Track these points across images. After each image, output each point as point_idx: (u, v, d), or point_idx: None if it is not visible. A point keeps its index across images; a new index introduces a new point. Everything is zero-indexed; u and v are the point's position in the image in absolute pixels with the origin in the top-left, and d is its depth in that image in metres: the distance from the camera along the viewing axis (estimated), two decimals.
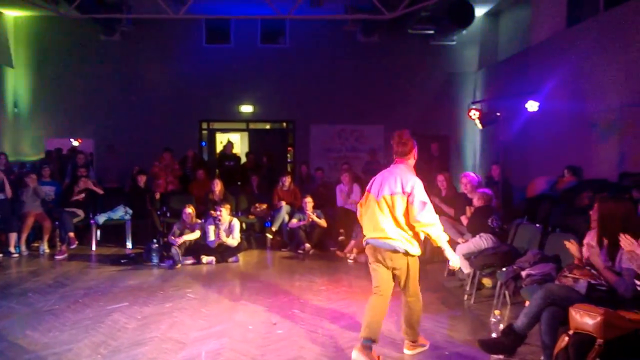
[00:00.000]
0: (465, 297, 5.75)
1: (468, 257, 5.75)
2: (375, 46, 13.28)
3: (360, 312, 5.24)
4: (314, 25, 13.21)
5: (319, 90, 13.74)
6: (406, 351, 4.27)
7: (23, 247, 7.82)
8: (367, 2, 10.22)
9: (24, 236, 7.77)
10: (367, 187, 4.25)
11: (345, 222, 8.32)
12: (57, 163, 10.89)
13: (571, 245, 4.09)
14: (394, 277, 4.13)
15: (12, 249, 7.74)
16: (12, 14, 13.24)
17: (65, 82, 13.49)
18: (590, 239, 4.00)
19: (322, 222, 8.28)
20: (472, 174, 7.04)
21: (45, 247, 8.00)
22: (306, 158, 13.33)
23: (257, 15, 12.05)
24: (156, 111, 13.54)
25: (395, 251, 4.00)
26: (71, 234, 8.05)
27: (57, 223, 8.09)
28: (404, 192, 3.95)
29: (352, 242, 7.65)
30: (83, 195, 8.63)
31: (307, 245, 8.09)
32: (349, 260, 7.54)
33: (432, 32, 12.54)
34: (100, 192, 8.89)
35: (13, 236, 7.77)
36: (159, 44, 13.47)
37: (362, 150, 13.23)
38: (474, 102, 10.45)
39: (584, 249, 4.01)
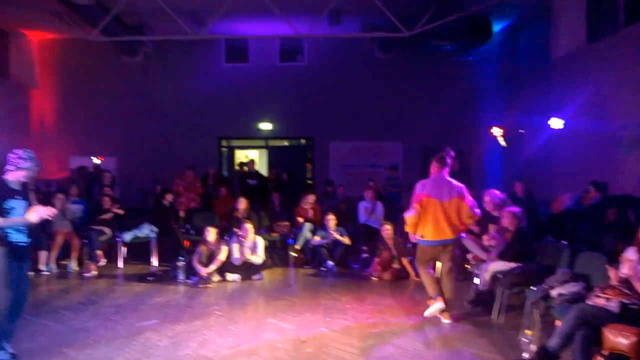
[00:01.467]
0: (494, 315, 5.72)
1: (495, 275, 5.74)
2: (393, 63, 13.39)
3: (389, 331, 5.28)
4: (332, 42, 13.38)
5: (338, 107, 13.86)
6: (444, 320, 5.47)
7: (53, 265, 7.96)
8: (385, 20, 10.36)
9: (53, 254, 7.92)
10: (424, 193, 5.40)
11: (368, 240, 8.34)
12: (83, 181, 11.08)
13: (611, 270, 4.09)
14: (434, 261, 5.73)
15: (42, 267, 7.90)
16: (38, 36, 13.60)
17: (88, 101, 13.82)
18: (631, 254, 3.99)
19: (345, 240, 8.31)
20: (495, 192, 7.03)
21: (74, 265, 8.16)
22: (325, 174, 13.42)
23: (276, 35, 12.25)
24: (176, 129, 13.77)
25: (448, 244, 5.46)
26: (99, 252, 8.19)
27: (85, 241, 8.23)
28: (458, 195, 5.33)
29: (376, 260, 7.66)
30: (111, 214, 8.78)
31: (330, 262, 8.13)
32: (373, 278, 7.55)
33: (450, 48, 12.62)
34: (121, 212, 8.98)
35: (43, 254, 7.93)
36: (179, 63, 13.73)
37: (381, 166, 13.28)
38: (495, 120, 10.42)
39: (622, 265, 4.00)
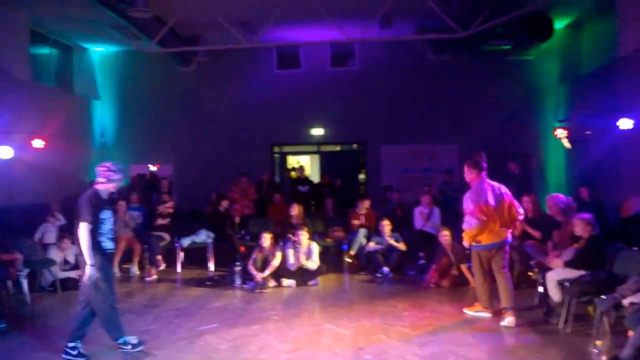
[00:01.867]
0: (560, 325, 5.46)
1: (562, 283, 5.48)
2: (448, 64, 13.11)
3: (448, 339, 5.14)
4: (384, 46, 13.26)
5: (390, 110, 13.72)
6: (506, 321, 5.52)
7: (116, 269, 8.23)
8: (438, 21, 10.17)
9: (116, 259, 8.18)
10: (482, 203, 5.53)
11: (425, 246, 8.18)
12: (141, 188, 11.43)
13: None
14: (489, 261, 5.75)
15: None
16: (99, 49, 14.20)
17: (145, 111, 14.27)
18: None
19: (401, 246, 8.18)
20: (559, 196, 6.72)
21: (135, 269, 8.46)
22: (378, 179, 13.30)
23: (327, 40, 12.26)
24: (229, 136, 14.02)
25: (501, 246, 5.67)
26: (159, 257, 8.43)
27: (145, 246, 8.48)
28: (505, 197, 5.62)
29: (433, 267, 7.48)
30: (169, 219, 9.02)
31: (386, 268, 8.02)
32: (430, 285, 7.37)
33: (508, 47, 12.24)
34: (171, 209, 9.14)
35: None
36: (232, 72, 13.97)
37: (436, 170, 13.02)
38: (559, 121, 9.93)
39: None
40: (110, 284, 4.79)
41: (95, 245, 4.63)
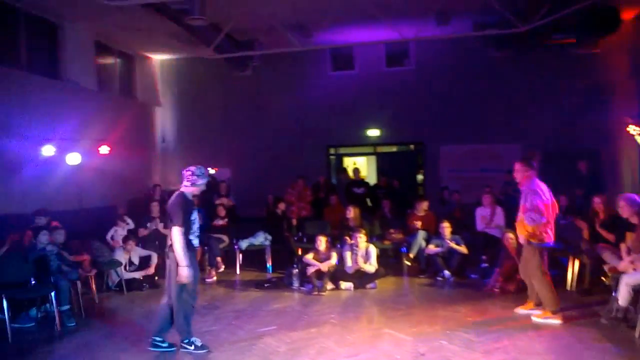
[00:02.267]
0: (636, 334, 5.11)
1: (637, 289, 5.14)
2: (508, 60, 12.64)
3: (514, 347, 4.91)
4: (440, 44, 12.96)
5: (448, 109, 13.40)
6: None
7: None
8: (497, 16, 9.82)
9: None
10: (548, 199, 5.56)
11: (487, 248, 7.89)
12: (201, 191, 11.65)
13: None
14: None
15: None
16: (159, 57, 14.67)
17: (204, 115, 14.62)
18: None
19: (462, 249, 7.93)
20: (634, 196, 6.28)
21: None
22: (436, 180, 13.01)
23: (381, 40, 12.11)
24: (285, 139, 14.11)
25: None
26: (219, 259, 8.58)
27: (206, 248, 8.65)
28: (552, 196, 5.71)
29: (497, 271, 7.20)
30: (226, 220, 9.16)
31: (447, 272, 7.81)
32: (494, 290, 7.09)
33: (572, 41, 11.66)
34: (231, 203, 9.22)
35: None
36: (287, 75, 14.07)
37: (496, 170, 12.57)
38: (629, 116, 9.34)
39: None
40: (196, 283, 5.00)
41: (188, 245, 4.86)
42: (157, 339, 4.98)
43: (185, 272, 4.73)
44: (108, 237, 8.44)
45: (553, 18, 9.20)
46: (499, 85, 13.11)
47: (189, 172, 4.95)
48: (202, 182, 4.99)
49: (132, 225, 8.85)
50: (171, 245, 4.82)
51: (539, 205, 5.53)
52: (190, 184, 4.95)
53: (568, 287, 7.02)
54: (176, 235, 4.74)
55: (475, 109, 13.22)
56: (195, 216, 4.97)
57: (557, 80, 12.70)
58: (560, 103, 12.67)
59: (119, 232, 8.51)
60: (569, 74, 12.63)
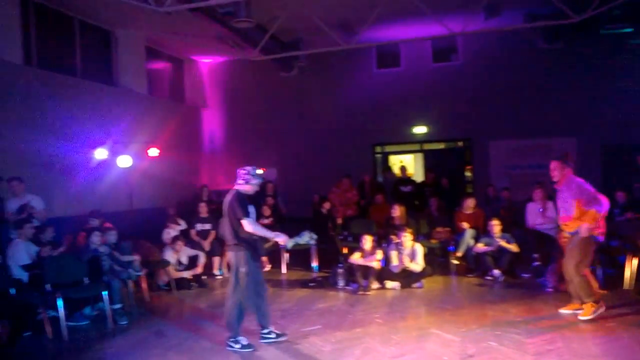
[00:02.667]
0: None
1: None
2: (561, 52, 12.14)
3: (570, 349, 4.70)
4: (488, 38, 12.59)
5: (497, 104, 13.03)
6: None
7: (225, 270, 8.59)
8: (549, 7, 9.44)
9: (225, 260, 8.51)
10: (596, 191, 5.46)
11: (540, 246, 7.60)
12: None
13: None
14: None
15: (215, 271, 8.62)
16: (206, 61, 14.98)
17: (251, 116, 14.81)
18: None
19: (513, 247, 7.66)
20: None
21: None
22: (486, 177, 12.67)
23: (428, 36, 11.89)
24: (331, 138, 14.11)
25: None
26: (264, 258, 8.65)
27: None
28: None
29: (550, 269, 6.91)
30: (271, 219, 9.24)
31: (496, 271, 7.58)
32: (547, 289, 6.82)
33: (629, 30, 11.08)
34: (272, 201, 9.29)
35: (217, 260, 8.63)
36: (332, 74, 14.06)
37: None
38: None
39: None
40: (260, 273, 5.23)
41: (248, 239, 4.99)
42: (264, 331, 5.22)
43: (281, 237, 5.09)
44: (164, 238, 8.64)
45: (608, 7, 8.77)
46: (551, 78, 12.66)
47: (244, 171, 5.09)
48: (255, 181, 5.11)
49: (184, 226, 9.06)
50: (235, 244, 4.97)
51: (597, 195, 5.42)
52: (244, 182, 5.08)
53: (625, 286, 6.68)
54: (248, 226, 4.91)
55: (526, 103, 12.80)
56: (252, 210, 5.07)
57: (613, 72, 12.11)
58: (616, 95, 12.08)
59: (171, 233, 8.71)
60: (627, 65, 12.02)
